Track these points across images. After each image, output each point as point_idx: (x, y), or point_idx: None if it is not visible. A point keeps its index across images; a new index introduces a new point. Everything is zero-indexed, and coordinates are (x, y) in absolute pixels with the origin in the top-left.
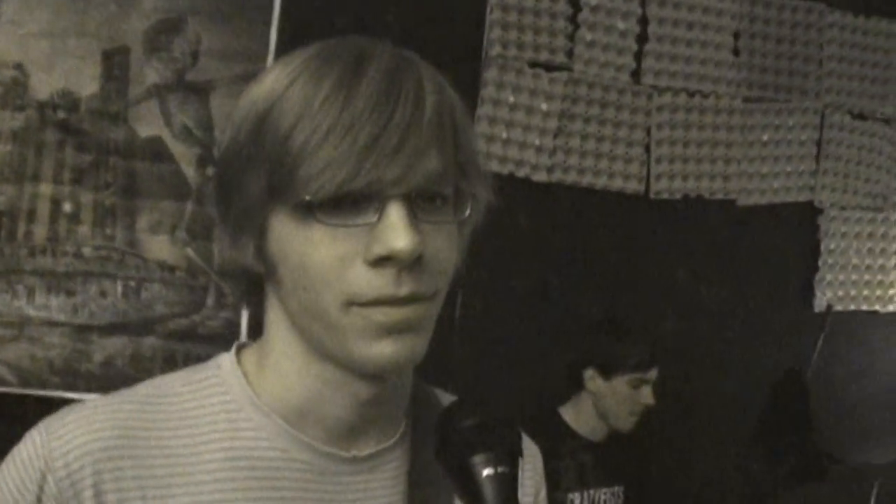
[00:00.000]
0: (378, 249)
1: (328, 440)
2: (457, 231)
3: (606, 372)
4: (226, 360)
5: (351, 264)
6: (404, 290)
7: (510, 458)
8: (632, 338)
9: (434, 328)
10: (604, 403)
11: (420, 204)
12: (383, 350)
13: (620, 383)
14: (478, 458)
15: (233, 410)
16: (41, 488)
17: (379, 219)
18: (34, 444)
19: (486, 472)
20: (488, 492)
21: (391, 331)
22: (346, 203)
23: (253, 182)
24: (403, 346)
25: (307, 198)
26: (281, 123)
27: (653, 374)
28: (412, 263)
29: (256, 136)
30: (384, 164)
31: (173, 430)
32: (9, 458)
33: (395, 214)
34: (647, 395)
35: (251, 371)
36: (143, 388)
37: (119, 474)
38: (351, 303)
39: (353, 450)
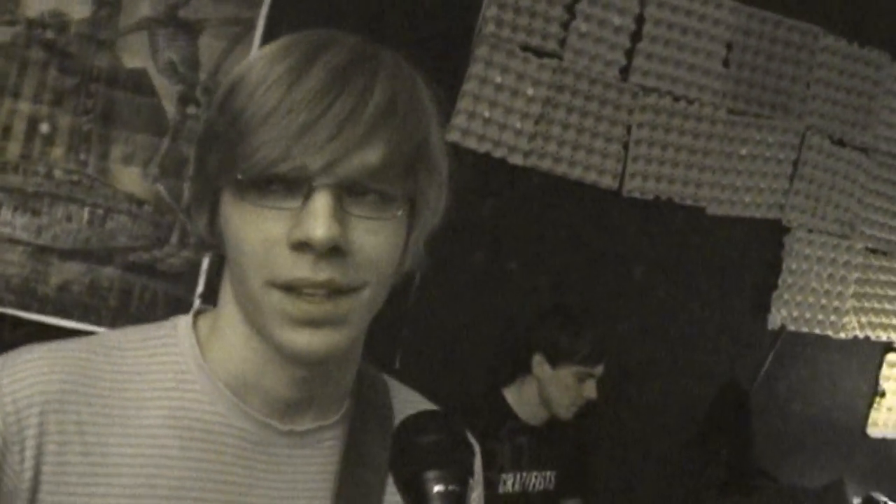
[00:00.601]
0: (296, 234)
1: (268, 412)
2: (397, 228)
3: (554, 360)
4: (182, 322)
5: (274, 246)
6: (321, 276)
7: (462, 478)
8: (583, 331)
9: (378, 312)
10: (548, 390)
11: (351, 197)
12: (298, 339)
13: (566, 374)
14: (431, 474)
15: (181, 371)
16: None
17: (303, 205)
18: None
19: (438, 488)
20: None
21: (307, 322)
22: (278, 186)
23: (211, 158)
24: (320, 337)
25: (239, 176)
26: (236, 103)
27: (599, 369)
28: (332, 252)
29: (219, 114)
30: (312, 152)
31: (121, 383)
32: None
33: (318, 203)
34: (590, 389)
35: (203, 336)
36: (98, 339)
37: (63, 418)
38: (271, 284)
39: (291, 424)
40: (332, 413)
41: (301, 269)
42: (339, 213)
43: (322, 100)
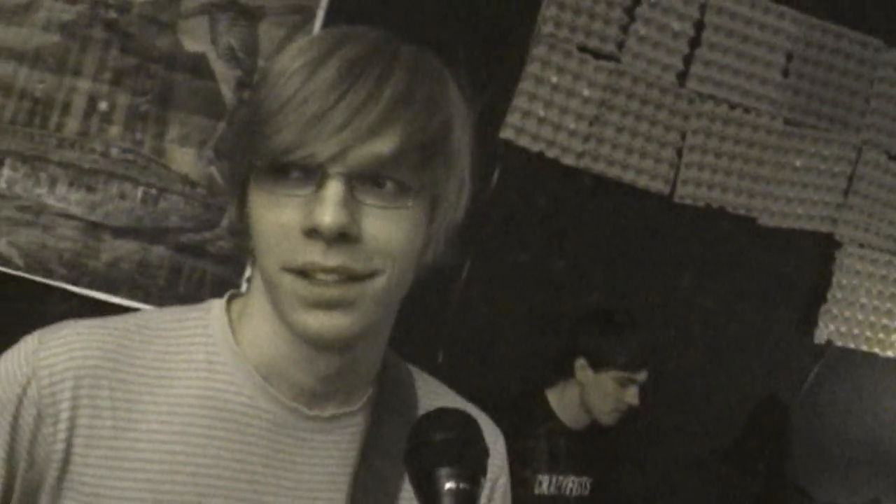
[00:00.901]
0: (307, 221)
1: (294, 397)
2: (413, 219)
3: (596, 364)
4: (216, 305)
5: (289, 232)
6: (332, 262)
7: (474, 477)
8: (626, 336)
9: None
10: (589, 394)
11: (364, 185)
12: (310, 321)
13: (608, 378)
14: (444, 471)
15: (212, 353)
16: (24, 391)
17: (315, 192)
18: (27, 350)
19: (449, 485)
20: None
21: (318, 305)
22: (294, 173)
23: (238, 146)
24: (331, 320)
25: (257, 163)
26: (259, 93)
27: (641, 375)
28: (342, 239)
29: (247, 104)
30: (323, 140)
31: (154, 362)
32: (3, 357)
33: (329, 190)
34: (632, 395)
35: (235, 319)
36: (135, 318)
37: (96, 394)
38: (285, 268)
39: (316, 409)
40: (356, 400)
41: (312, 254)
42: (351, 202)
43: (336, 89)
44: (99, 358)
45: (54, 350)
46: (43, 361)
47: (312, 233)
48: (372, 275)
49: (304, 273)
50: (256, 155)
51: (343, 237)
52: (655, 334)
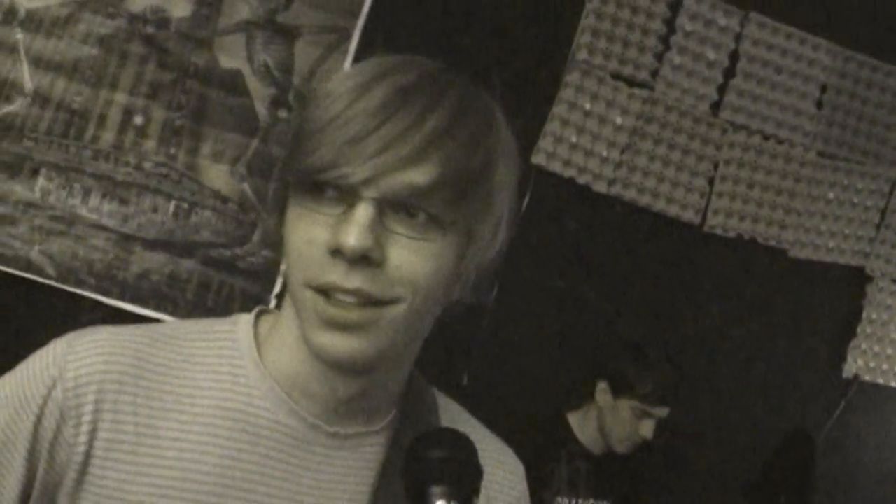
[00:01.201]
0: (332, 240)
1: (316, 413)
2: (443, 252)
3: (616, 390)
4: (244, 319)
5: (314, 249)
6: (351, 284)
7: (466, 497)
8: (650, 368)
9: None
10: (605, 419)
11: (395, 213)
12: (325, 340)
13: (625, 406)
14: (436, 489)
15: (237, 366)
16: (49, 392)
17: (344, 213)
18: (55, 352)
19: (440, 503)
20: None
21: (335, 325)
22: (328, 192)
23: (285, 161)
24: (346, 342)
25: (291, 179)
26: (307, 112)
27: (659, 411)
28: (363, 262)
29: (295, 123)
30: (357, 164)
31: (178, 371)
32: (31, 359)
33: (358, 213)
34: (646, 428)
35: (263, 335)
36: (162, 328)
37: (120, 399)
38: (307, 285)
39: (337, 427)
40: (378, 420)
41: (333, 274)
42: (378, 227)
43: (379, 115)
44: (125, 364)
45: (81, 354)
46: (70, 364)
47: (336, 252)
48: (392, 301)
49: (324, 292)
50: (295, 170)
51: (365, 260)
52: (682, 373)
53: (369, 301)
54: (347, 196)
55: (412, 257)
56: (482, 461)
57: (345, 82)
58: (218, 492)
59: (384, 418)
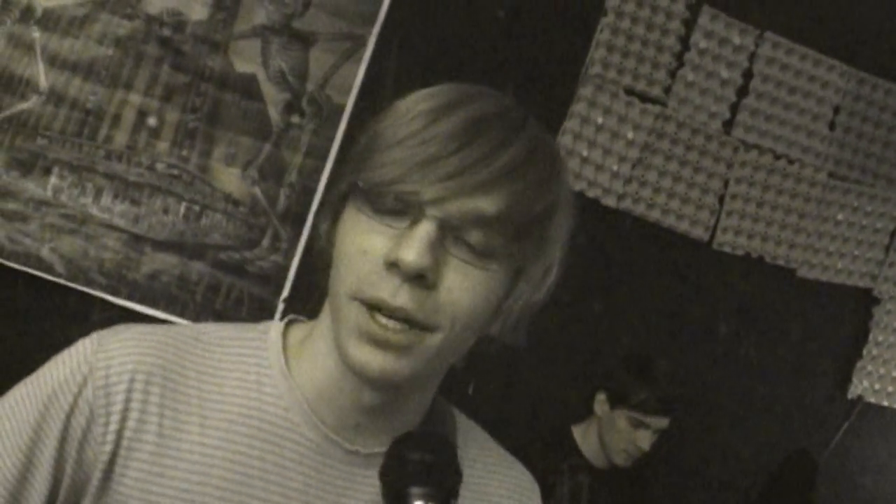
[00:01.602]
0: (391, 255)
1: (338, 429)
2: (491, 283)
3: (613, 400)
4: (274, 328)
5: (369, 260)
6: (398, 301)
7: (444, 498)
8: (646, 378)
9: (446, 361)
10: (603, 430)
11: (455, 237)
12: (360, 354)
13: (620, 416)
14: (415, 490)
15: (264, 374)
16: (80, 390)
17: (407, 228)
18: (85, 350)
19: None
20: None
21: (373, 341)
22: (393, 204)
23: (347, 168)
24: (381, 359)
25: (359, 183)
26: (380, 125)
27: (656, 421)
28: (417, 281)
29: (364, 133)
30: (431, 182)
31: (205, 375)
32: (60, 357)
33: (421, 230)
34: (642, 439)
35: (293, 345)
36: (191, 329)
37: (147, 398)
38: (355, 297)
39: (358, 445)
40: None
41: (383, 290)
42: (438, 248)
43: (456, 140)
44: (153, 364)
45: (113, 353)
46: (100, 363)
47: (392, 266)
48: (431, 328)
49: (370, 306)
50: (363, 177)
51: (419, 280)
52: (683, 386)
53: (412, 325)
54: (412, 212)
55: (464, 283)
56: (499, 484)
57: (423, 102)
58: (237, 499)
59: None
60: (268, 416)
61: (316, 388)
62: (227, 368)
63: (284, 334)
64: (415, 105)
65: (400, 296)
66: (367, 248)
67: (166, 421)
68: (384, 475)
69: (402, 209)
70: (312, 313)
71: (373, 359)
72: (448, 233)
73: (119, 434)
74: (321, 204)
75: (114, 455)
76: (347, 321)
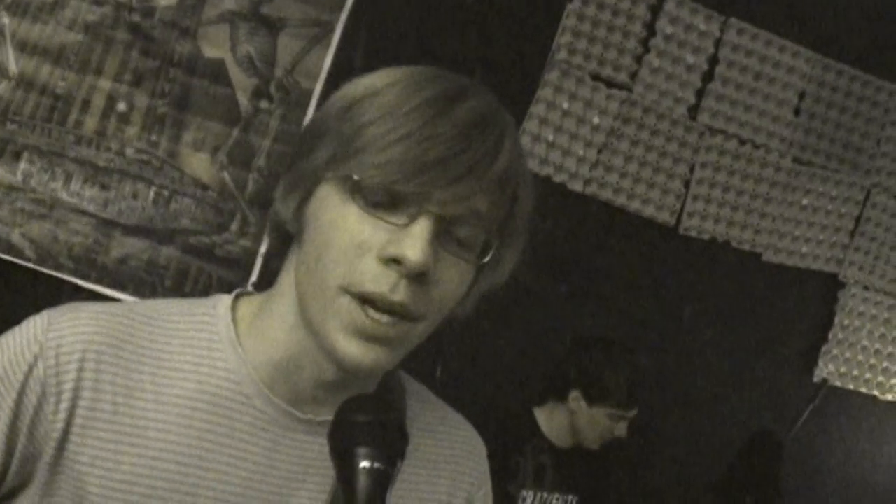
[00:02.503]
0: (392, 250)
1: (291, 401)
2: (472, 275)
3: (590, 399)
4: (223, 302)
5: (364, 254)
6: (396, 297)
7: (390, 458)
8: (623, 374)
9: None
10: (579, 423)
11: (447, 233)
12: (350, 348)
13: (600, 413)
14: (361, 450)
15: (215, 349)
16: (30, 369)
17: (406, 224)
18: (35, 329)
19: (364, 464)
20: (361, 481)
21: (364, 335)
22: (391, 200)
23: (321, 150)
24: (370, 353)
25: (356, 176)
26: (366, 112)
27: (632, 412)
28: (417, 277)
29: (342, 116)
30: (441, 184)
31: (156, 352)
32: (10, 334)
33: (422, 226)
34: (621, 429)
35: (244, 319)
36: (141, 307)
37: (99, 377)
38: (346, 290)
39: (311, 414)
40: None
41: (381, 285)
42: (435, 243)
43: (461, 140)
44: (104, 343)
45: (62, 332)
46: (51, 342)
47: (391, 262)
48: (419, 318)
49: (363, 300)
50: (361, 173)
51: (419, 276)
52: (649, 370)
53: (404, 317)
54: (408, 206)
55: (455, 277)
56: (449, 444)
57: (416, 94)
58: (192, 472)
59: None
60: (220, 391)
61: (271, 363)
62: (178, 345)
63: (233, 308)
64: (406, 98)
65: (399, 291)
66: (362, 241)
67: (120, 398)
68: (331, 437)
69: (401, 205)
70: None
71: (364, 353)
72: (441, 227)
73: (71, 413)
74: (285, 183)
75: (66, 433)
76: (337, 315)
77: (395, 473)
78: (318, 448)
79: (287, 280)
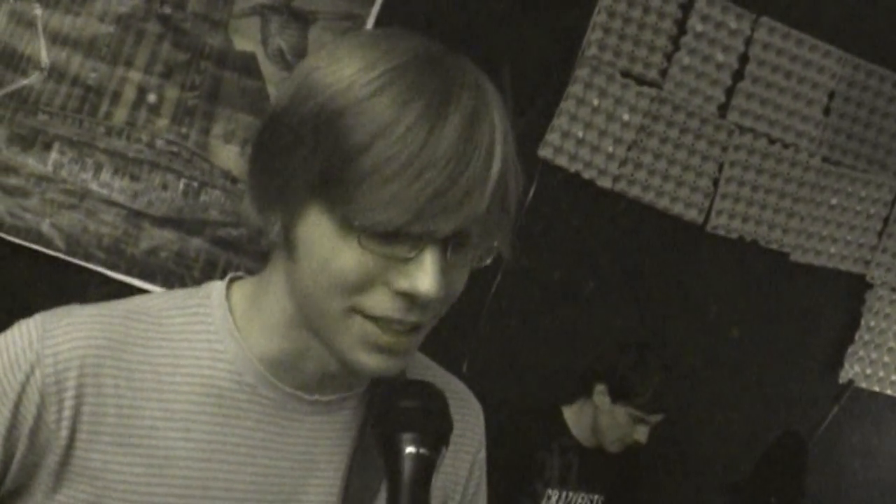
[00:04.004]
0: (404, 285)
1: (296, 386)
2: (468, 269)
3: (616, 395)
4: (216, 291)
5: (372, 284)
6: (412, 318)
7: (435, 444)
8: (651, 377)
9: (450, 318)
10: (600, 419)
11: (454, 246)
12: (368, 361)
13: (622, 412)
14: (406, 436)
15: (214, 341)
16: (28, 379)
17: (414, 257)
18: (30, 337)
19: (409, 449)
20: (406, 467)
21: (382, 350)
22: (390, 233)
23: (301, 167)
24: (390, 362)
25: (357, 223)
26: (354, 133)
27: (655, 417)
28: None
29: (321, 128)
30: (443, 218)
31: (156, 349)
32: (1, 342)
33: (430, 258)
34: (640, 433)
35: (240, 306)
36: (134, 304)
37: (101, 381)
38: (356, 312)
39: (317, 395)
40: (356, 385)
41: (396, 310)
42: (444, 265)
43: (459, 160)
44: (102, 347)
45: (59, 338)
46: (48, 349)
47: (405, 295)
48: (432, 322)
49: (376, 319)
50: (359, 217)
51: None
52: (677, 378)
53: (419, 327)
54: (415, 239)
55: (458, 280)
56: (452, 405)
57: (404, 108)
58: (203, 466)
59: (363, 382)
60: (224, 383)
61: (271, 354)
62: (177, 340)
63: (227, 295)
64: (398, 112)
65: (414, 314)
66: (366, 274)
67: (124, 401)
68: (375, 425)
69: (401, 237)
70: None
71: (384, 363)
72: (449, 245)
73: (75, 420)
74: (258, 199)
75: (71, 440)
76: (349, 331)
77: (439, 460)
78: (329, 427)
79: (279, 280)
